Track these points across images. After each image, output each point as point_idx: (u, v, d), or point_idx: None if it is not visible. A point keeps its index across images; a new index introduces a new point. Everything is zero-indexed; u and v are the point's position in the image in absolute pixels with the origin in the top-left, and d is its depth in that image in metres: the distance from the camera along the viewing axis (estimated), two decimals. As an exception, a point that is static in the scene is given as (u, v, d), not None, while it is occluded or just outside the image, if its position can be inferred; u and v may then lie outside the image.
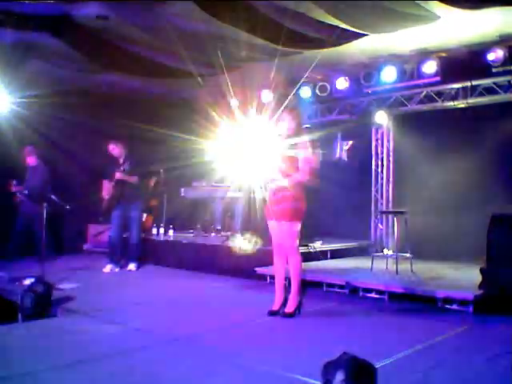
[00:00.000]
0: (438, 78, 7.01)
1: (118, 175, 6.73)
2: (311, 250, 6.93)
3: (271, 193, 4.42)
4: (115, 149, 6.92)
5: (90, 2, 5.16)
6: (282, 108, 4.82)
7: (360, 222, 8.41)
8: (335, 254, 7.37)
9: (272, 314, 4.41)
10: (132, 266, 7.04)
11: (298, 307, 4.43)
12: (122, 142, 6.96)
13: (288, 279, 4.56)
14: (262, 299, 5.02)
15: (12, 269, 6.49)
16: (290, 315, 4.38)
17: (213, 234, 8.69)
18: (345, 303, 5.11)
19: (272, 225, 4.49)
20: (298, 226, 4.39)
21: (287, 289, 4.52)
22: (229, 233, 8.27)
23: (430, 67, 6.96)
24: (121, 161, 6.90)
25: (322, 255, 7.08)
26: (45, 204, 6.30)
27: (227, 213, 8.96)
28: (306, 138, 4.43)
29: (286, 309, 4.42)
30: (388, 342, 3.72)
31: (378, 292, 5.29)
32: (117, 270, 6.89)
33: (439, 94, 7.48)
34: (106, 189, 6.82)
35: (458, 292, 4.84)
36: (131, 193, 6.83)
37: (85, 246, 8.76)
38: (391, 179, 8.44)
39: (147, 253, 7.71)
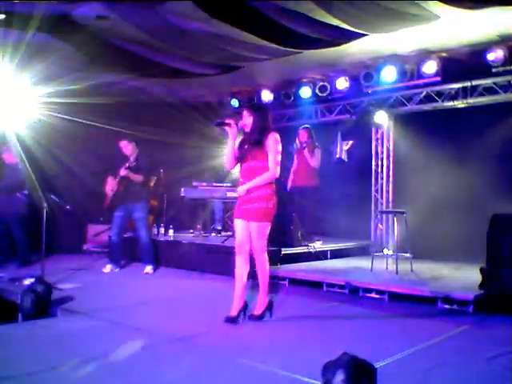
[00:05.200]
0: (437, 78, 7.02)
1: (122, 172, 6.54)
2: (311, 250, 6.93)
3: (241, 193, 4.19)
4: (126, 146, 6.73)
5: (89, 2, 5.16)
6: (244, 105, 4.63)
7: (360, 222, 8.42)
8: (335, 254, 7.36)
9: (230, 320, 4.08)
10: (148, 269, 6.77)
11: (269, 308, 4.27)
12: (135, 141, 6.78)
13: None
14: (261, 299, 5.00)
15: (12, 269, 6.52)
16: (260, 317, 4.20)
17: (213, 234, 8.70)
18: (345, 303, 5.11)
19: (237, 223, 4.24)
20: (268, 227, 4.16)
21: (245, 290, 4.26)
22: (229, 233, 8.28)
23: (430, 67, 6.96)
24: (131, 159, 6.69)
25: (322, 255, 7.08)
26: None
27: (227, 213, 8.96)
28: (274, 134, 4.11)
29: (254, 311, 4.23)
30: (388, 342, 3.72)
31: (378, 292, 5.28)
32: (117, 270, 6.85)
33: (439, 94, 7.49)
34: (110, 184, 6.64)
35: (458, 292, 4.84)
36: (135, 193, 6.63)
37: (84, 246, 8.75)
38: (391, 179, 8.44)
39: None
